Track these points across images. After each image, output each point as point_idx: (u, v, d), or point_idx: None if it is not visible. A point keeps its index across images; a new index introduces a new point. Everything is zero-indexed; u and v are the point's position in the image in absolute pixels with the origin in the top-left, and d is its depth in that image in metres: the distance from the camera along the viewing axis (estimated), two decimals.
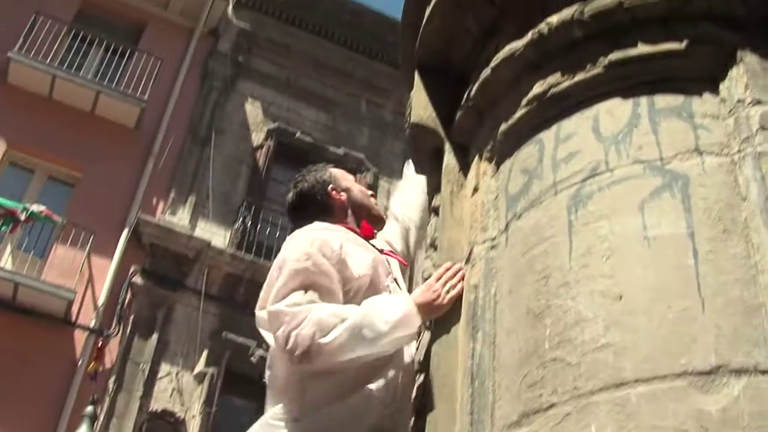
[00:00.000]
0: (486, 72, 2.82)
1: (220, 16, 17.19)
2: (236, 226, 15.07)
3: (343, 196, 3.27)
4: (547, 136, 2.60)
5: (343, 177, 3.38)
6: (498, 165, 2.77)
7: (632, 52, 2.53)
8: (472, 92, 2.88)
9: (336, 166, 3.49)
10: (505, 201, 2.64)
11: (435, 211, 3.01)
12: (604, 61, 2.55)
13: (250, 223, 15.05)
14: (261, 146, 16.30)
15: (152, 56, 16.20)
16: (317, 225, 3.04)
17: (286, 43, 17.65)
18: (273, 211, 15.41)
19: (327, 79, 17.76)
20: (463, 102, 2.94)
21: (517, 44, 2.74)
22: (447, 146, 3.01)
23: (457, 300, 2.64)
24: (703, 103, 2.42)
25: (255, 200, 15.44)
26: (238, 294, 14.54)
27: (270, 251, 14.82)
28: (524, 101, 2.69)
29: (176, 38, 17.04)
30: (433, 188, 3.09)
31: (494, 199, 2.70)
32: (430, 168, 3.18)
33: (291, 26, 17.84)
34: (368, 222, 3.25)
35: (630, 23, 2.56)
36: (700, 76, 2.48)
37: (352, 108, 17.81)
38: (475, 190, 2.79)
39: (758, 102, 2.35)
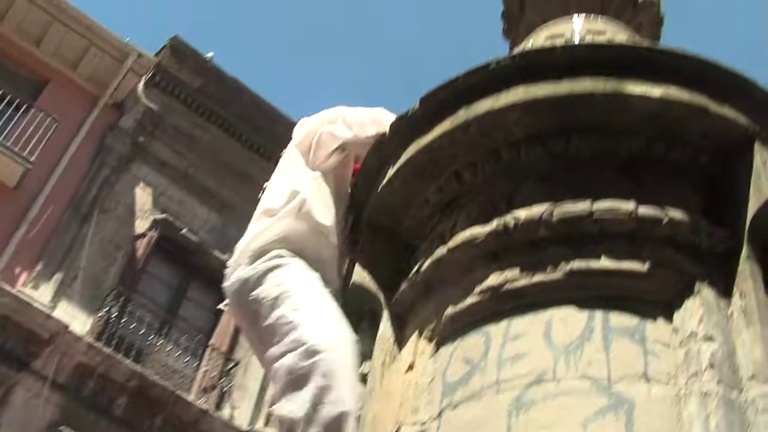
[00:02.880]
0: (442, 251, 2.90)
1: (129, 90, 17.12)
2: (100, 314, 14.69)
3: None
4: (495, 330, 2.68)
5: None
6: (438, 347, 2.82)
7: (595, 264, 2.65)
8: (423, 267, 2.96)
9: None
10: (441, 386, 2.69)
11: (362, 378, 3.03)
12: (565, 267, 2.67)
13: (116, 314, 14.70)
14: (143, 235, 16.07)
15: (49, 116, 15.94)
16: None
17: (192, 133, 17.65)
18: (142, 306, 15.13)
19: (226, 180, 17.74)
20: (411, 274, 3.00)
21: (479, 230, 2.84)
22: (385, 314, 3.06)
23: None
24: (656, 329, 2.55)
25: (126, 291, 15.14)
26: (86, 387, 14.08)
27: (131, 349, 14.49)
28: (477, 289, 2.77)
29: (78, 103, 16.85)
30: (363, 353, 3.12)
31: (429, 382, 2.74)
32: (363, 330, 3.21)
33: (200, 117, 17.86)
34: None
35: (597, 234, 2.70)
36: (657, 299, 2.62)
37: (246, 214, 17.49)
38: (410, 367, 2.83)
39: (710, 338, 2.49)
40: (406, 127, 3.17)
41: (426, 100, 3.15)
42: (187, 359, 15.39)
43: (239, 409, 15.75)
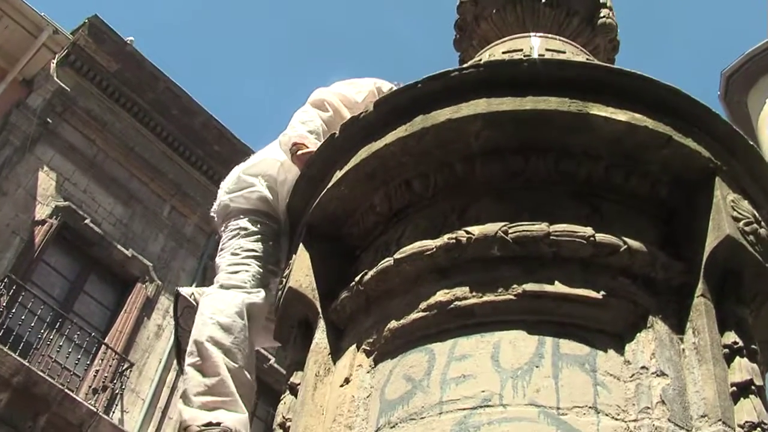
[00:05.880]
0: (387, 262, 2.87)
1: (41, 67, 16.67)
2: None
3: None
4: (440, 348, 2.66)
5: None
6: (377, 362, 2.79)
7: (548, 288, 2.65)
8: (366, 277, 2.92)
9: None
10: (378, 403, 2.65)
11: (291, 389, 2.98)
12: (517, 288, 2.66)
13: (5, 303, 14.28)
14: (43, 222, 15.64)
15: None
16: None
17: (104, 119, 17.29)
18: (36, 297, 14.73)
19: (136, 171, 17.44)
20: (352, 284, 2.96)
21: (429, 243, 2.82)
22: (321, 323, 3.01)
23: None
24: (607, 360, 2.56)
25: (19, 280, 14.72)
26: None
27: (18, 342, 14.08)
28: (423, 305, 2.75)
29: None
30: (294, 362, 3.07)
31: (366, 398, 2.71)
32: (295, 339, 3.17)
33: (115, 103, 17.52)
34: None
35: (552, 258, 2.70)
36: (609, 330, 2.63)
37: (153, 209, 17.50)
38: (347, 381, 2.79)
39: (662, 374, 2.50)
40: (359, 131, 3.15)
41: (381, 104, 3.13)
42: (79, 357, 15.03)
43: (129, 414, 15.44)
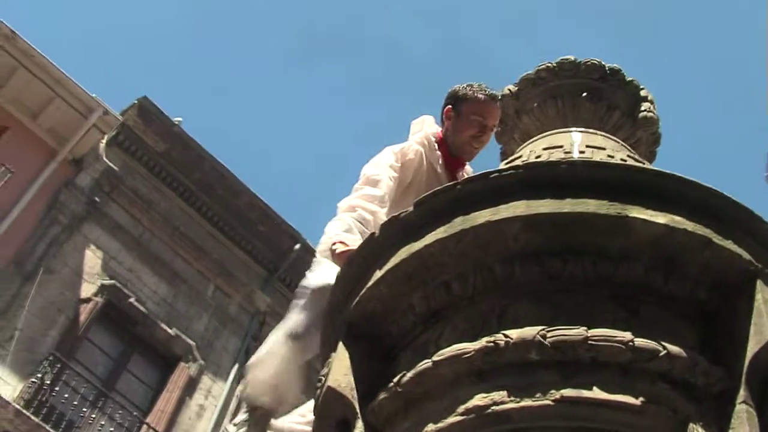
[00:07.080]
0: (426, 364, 2.88)
1: (90, 147, 17.02)
2: (33, 379, 14.39)
3: (448, 122, 4.57)
4: None
5: (472, 108, 4.51)
6: None
7: (586, 393, 2.64)
8: (404, 379, 2.92)
9: (490, 95, 4.54)
10: None
11: None
12: (555, 394, 2.65)
13: (49, 381, 14.40)
14: (88, 300, 15.85)
15: (2, 165, 15.81)
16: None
17: (150, 198, 17.58)
18: (79, 376, 14.84)
19: (181, 251, 17.64)
20: (391, 384, 2.97)
21: (467, 346, 2.83)
22: (359, 424, 3.01)
23: None
24: None
25: (63, 357, 14.86)
26: None
27: (61, 420, 14.16)
28: (461, 408, 2.74)
29: (36, 155, 16.68)
30: None
31: None
32: None
33: (161, 182, 17.83)
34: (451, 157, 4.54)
35: (590, 362, 2.70)
36: None
37: (197, 289, 17.64)
38: None
39: None
40: (398, 231, 3.18)
41: (421, 204, 3.16)
42: None
43: None
